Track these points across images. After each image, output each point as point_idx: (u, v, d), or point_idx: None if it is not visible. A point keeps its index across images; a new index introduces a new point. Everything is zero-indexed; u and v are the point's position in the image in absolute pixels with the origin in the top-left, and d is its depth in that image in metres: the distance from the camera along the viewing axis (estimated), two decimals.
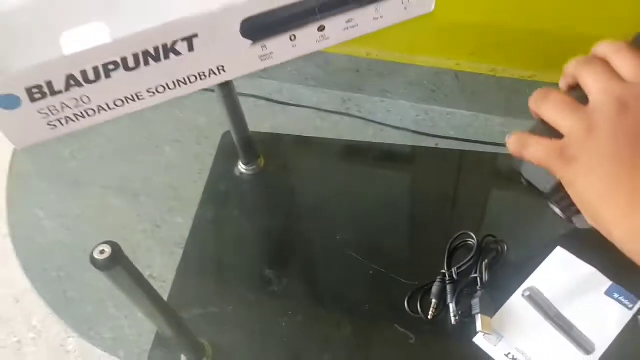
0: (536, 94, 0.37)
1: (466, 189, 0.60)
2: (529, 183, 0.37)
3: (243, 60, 0.56)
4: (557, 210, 0.36)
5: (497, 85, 0.97)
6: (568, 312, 0.47)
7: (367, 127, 0.91)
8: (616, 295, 0.48)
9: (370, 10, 0.57)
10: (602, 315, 0.47)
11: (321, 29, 0.56)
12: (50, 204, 0.88)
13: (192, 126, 0.97)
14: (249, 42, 0.54)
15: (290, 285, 0.57)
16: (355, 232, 0.60)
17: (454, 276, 0.51)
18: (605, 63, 0.35)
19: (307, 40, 0.57)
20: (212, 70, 0.55)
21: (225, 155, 0.82)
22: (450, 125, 0.84)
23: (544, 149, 0.35)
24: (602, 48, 0.36)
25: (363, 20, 0.58)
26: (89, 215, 0.87)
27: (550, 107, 0.36)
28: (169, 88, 0.55)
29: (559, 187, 0.34)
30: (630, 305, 0.47)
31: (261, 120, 0.95)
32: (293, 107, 1.00)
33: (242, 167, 0.78)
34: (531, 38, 0.90)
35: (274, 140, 0.83)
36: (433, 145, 0.73)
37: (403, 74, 1.01)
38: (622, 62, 0.35)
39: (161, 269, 0.83)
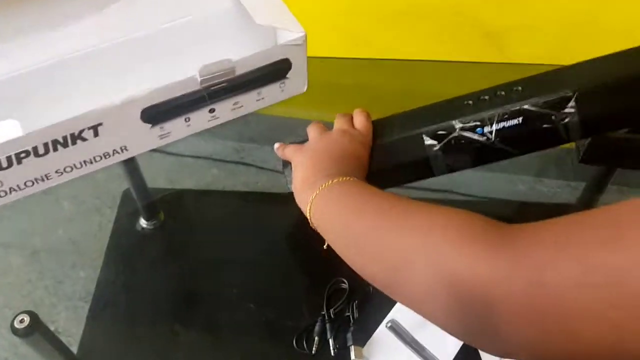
0: (279, 149, 0.65)
1: None
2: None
3: (143, 140, 0.63)
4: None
5: None
6: (420, 337, 0.59)
7: (261, 174, 1.00)
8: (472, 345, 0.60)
9: (253, 94, 0.67)
10: (446, 339, 0.59)
11: (212, 111, 0.65)
12: None
13: (91, 181, 1.01)
14: (149, 125, 0.62)
15: (196, 338, 0.65)
16: (250, 283, 0.69)
17: (332, 315, 0.62)
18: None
19: (199, 120, 0.65)
20: (115, 150, 0.62)
21: (127, 210, 0.87)
22: None
23: (289, 149, 0.62)
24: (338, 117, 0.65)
25: (247, 102, 0.67)
26: None
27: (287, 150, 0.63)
28: (76, 168, 0.61)
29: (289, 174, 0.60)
30: None
31: (158, 172, 1.01)
32: (189, 157, 1.07)
33: (143, 223, 0.84)
34: (399, 95, 1.04)
35: (173, 195, 0.89)
36: None
37: (288, 126, 1.12)
38: (356, 118, 0.64)
39: (66, 323, 0.87)
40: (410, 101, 1.03)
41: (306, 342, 0.61)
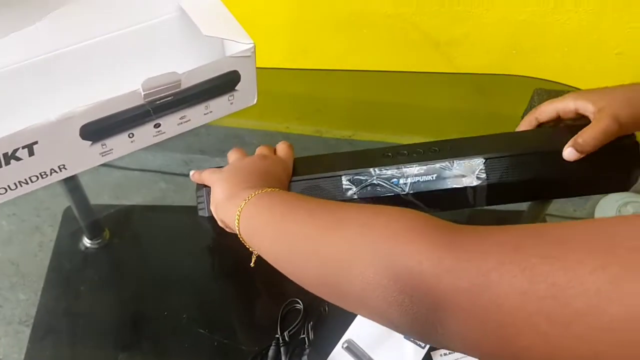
0: (194, 174, 0.63)
1: None
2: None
3: (83, 158, 0.60)
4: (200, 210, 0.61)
5: (323, 143, 1.09)
6: (377, 356, 0.58)
7: None
8: (412, 338, 0.60)
9: (200, 107, 0.65)
10: (403, 355, 0.58)
11: (157, 126, 0.63)
12: None
13: (30, 198, 0.96)
14: (89, 142, 0.59)
15: None
16: (200, 305, 0.66)
17: (286, 339, 0.60)
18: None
19: (144, 136, 0.63)
20: (53, 169, 0.59)
21: (69, 229, 0.83)
22: None
23: (206, 172, 0.60)
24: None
25: (194, 116, 0.65)
26: None
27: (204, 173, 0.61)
28: (10, 189, 0.58)
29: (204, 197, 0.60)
30: (423, 345, 0.59)
31: (103, 187, 0.97)
32: (136, 171, 1.03)
33: (86, 242, 0.80)
34: (349, 105, 1.04)
35: (118, 212, 0.85)
36: None
37: (239, 137, 1.09)
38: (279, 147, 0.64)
39: (7, 348, 0.82)
40: (359, 111, 1.03)
41: None
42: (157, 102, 0.60)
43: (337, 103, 1.05)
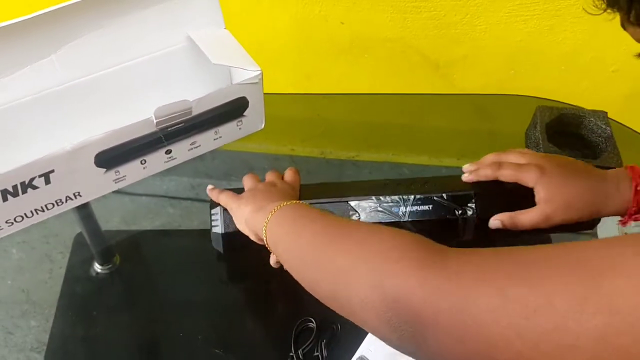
0: (213, 191, 0.68)
1: None
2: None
3: (97, 185, 0.62)
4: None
5: (327, 165, 1.11)
6: None
7: None
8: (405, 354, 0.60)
9: (210, 133, 0.66)
10: None
11: (168, 152, 0.64)
12: None
13: (40, 225, 0.97)
14: (103, 170, 0.60)
15: None
16: (214, 326, 0.67)
17: (300, 357, 0.61)
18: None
19: (156, 162, 0.64)
20: (68, 197, 0.60)
21: (80, 255, 0.84)
22: None
23: (226, 195, 0.64)
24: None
25: (205, 142, 0.67)
26: None
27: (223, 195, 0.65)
28: (27, 217, 0.59)
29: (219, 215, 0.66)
30: None
31: (112, 213, 0.98)
32: (144, 196, 1.04)
33: (97, 267, 0.81)
34: (352, 127, 1.05)
35: (128, 237, 0.86)
36: None
37: (244, 160, 1.11)
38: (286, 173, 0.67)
39: None
40: (362, 132, 1.05)
41: None
42: (169, 129, 0.61)
43: (340, 125, 1.06)
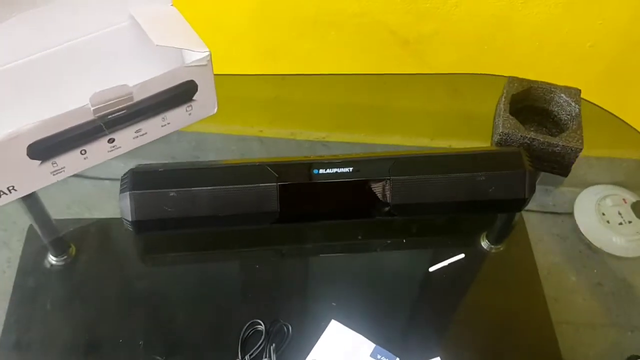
0: None
1: (253, 277, 0.67)
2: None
3: (33, 178, 0.58)
4: None
5: (297, 146, 1.07)
6: None
7: None
8: (379, 356, 0.57)
9: (157, 120, 0.62)
10: None
11: (111, 141, 0.60)
12: None
13: None
14: (38, 161, 0.56)
15: None
16: (158, 328, 0.64)
17: None
18: None
19: (98, 152, 0.60)
20: (2, 191, 0.56)
21: (34, 246, 0.81)
22: None
23: None
24: None
25: (151, 129, 0.63)
26: None
27: None
28: None
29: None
30: None
31: (72, 199, 0.94)
32: (107, 180, 1.00)
33: (52, 259, 0.78)
34: (321, 108, 1.02)
35: (84, 226, 0.83)
36: None
37: (211, 142, 1.07)
38: None
39: None
40: (332, 113, 1.01)
41: None
42: (109, 116, 0.57)
43: (309, 106, 1.03)
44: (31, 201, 0.71)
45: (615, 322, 0.68)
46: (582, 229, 0.73)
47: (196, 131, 1.10)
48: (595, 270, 0.74)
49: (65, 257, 0.77)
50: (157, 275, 0.71)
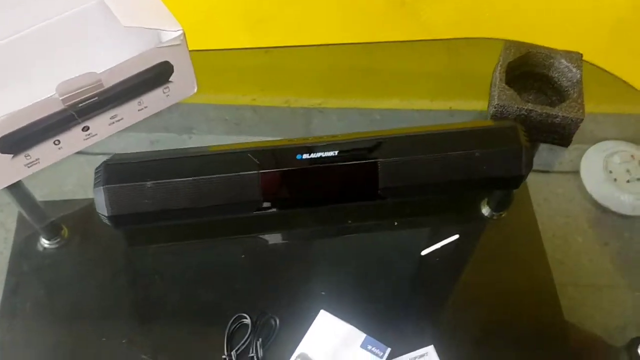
0: None
1: (238, 268, 0.65)
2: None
3: (7, 172, 0.56)
4: None
5: (292, 114, 1.04)
6: None
7: None
8: (369, 347, 0.55)
9: (132, 104, 0.59)
10: None
11: (85, 129, 0.58)
12: None
13: None
14: (10, 155, 0.54)
15: None
16: (143, 325, 0.62)
17: (234, 358, 0.55)
18: None
19: (73, 141, 0.58)
20: None
21: (25, 230, 0.80)
22: None
23: None
24: None
25: (127, 114, 0.60)
26: None
27: None
28: None
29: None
30: (381, 354, 0.55)
31: (66, 176, 0.92)
32: (100, 155, 0.98)
33: (44, 242, 0.77)
34: (315, 74, 0.98)
35: (76, 207, 0.81)
36: None
37: (204, 112, 1.04)
38: None
39: None
40: (328, 79, 0.97)
41: None
42: (80, 105, 0.55)
43: (303, 73, 0.99)
44: (16, 190, 0.69)
45: (621, 282, 0.65)
46: (588, 188, 0.70)
47: (188, 102, 1.07)
48: (601, 231, 0.72)
49: (58, 239, 0.75)
50: (137, 271, 0.69)
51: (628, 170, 0.70)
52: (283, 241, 0.68)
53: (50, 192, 0.82)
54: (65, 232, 0.76)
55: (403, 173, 0.58)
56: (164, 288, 0.66)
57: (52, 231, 0.76)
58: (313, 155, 0.57)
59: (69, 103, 0.54)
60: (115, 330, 0.63)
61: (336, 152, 0.58)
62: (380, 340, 0.56)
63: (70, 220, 0.78)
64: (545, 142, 0.69)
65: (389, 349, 0.55)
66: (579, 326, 0.63)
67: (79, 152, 0.91)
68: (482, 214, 0.68)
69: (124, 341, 0.60)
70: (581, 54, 0.68)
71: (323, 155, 0.58)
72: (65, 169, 0.95)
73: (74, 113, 0.55)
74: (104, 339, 0.62)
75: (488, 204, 0.68)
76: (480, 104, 0.78)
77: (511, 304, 0.65)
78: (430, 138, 0.60)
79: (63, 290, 0.71)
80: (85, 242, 0.76)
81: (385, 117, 0.93)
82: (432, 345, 0.55)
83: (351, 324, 0.56)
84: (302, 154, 0.57)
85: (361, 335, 0.56)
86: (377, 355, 0.55)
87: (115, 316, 0.65)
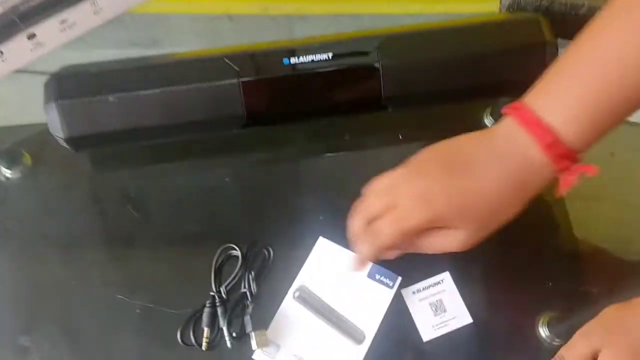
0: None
1: (223, 193, 0.58)
2: None
3: None
4: None
5: (273, 23, 0.95)
6: (338, 304, 0.49)
7: None
8: (377, 276, 0.50)
9: (85, 5, 0.50)
10: (368, 300, 0.49)
11: (31, 37, 0.49)
12: None
13: None
14: None
15: (50, 343, 0.52)
16: (117, 264, 0.56)
17: (224, 295, 0.49)
18: None
19: (18, 52, 0.49)
20: None
21: None
22: None
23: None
24: None
25: (81, 18, 0.51)
26: None
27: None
28: None
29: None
30: (391, 284, 0.50)
31: (28, 99, 0.84)
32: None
33: (5, 172, 0.70)
34: None
35: (42, 132, 0.73)
36: None
37: (174, 25, 0.95)
38: None
39: None
40: None
41: (194, 335, 0.49)
42: (21, 6, 0.46)
43: None
44: None
45: (626, 192, 0.62)
46: None
47: (157, 12, 0.97)
48: (608, 140, 0.68)
49: (20, 167, 0.68)
50: (109, 200, 0.63)
51: None
52: (273, 161, 0.61)
53: (6, 117, 0.74)
54: (28, 159, 0.69)
55: (409, 78, 0.51)
56: (141, 219, 0.59)
57: (12, 158, 0.68)
58: (302, 59, 0.49)
59: (9, 5, 0.45)
60: (86, 269, 0.57)
61: (330, 55, 0.50)
62: (389, 268, 0.50)
63: (31, 146, 0.71)
64: (568, 38, 0.62)
65: (399, 278, 0.50)
66: (589, 240, 0.60)
67: (33, 72, 0.82)
68: (485, 125, 0.63)
69: (96, 281, 0.54)
70: None
71: (315, 59, 0.50)
72: (25, 91, 0.86)
73: (15, 18, 0.46)
74: (73, 283, 0.56)
75: (492, 114, 0.62)
76: (483, 6, 0.71)
77: (523, 225, 0.61)
78: (438, 35, 0.53)
79: (28, 224, 0.65)
80: (50, 170, 0.69)
81: (377, 25, 0.86)
82: (447, 272, 0.50)
83: (354, 251, 0.50)
84: (289, 58, 0.49)
85: (367, 264, 0.50)
86: (386, 285, 0.50)
87: (86, 253, 0.59)
